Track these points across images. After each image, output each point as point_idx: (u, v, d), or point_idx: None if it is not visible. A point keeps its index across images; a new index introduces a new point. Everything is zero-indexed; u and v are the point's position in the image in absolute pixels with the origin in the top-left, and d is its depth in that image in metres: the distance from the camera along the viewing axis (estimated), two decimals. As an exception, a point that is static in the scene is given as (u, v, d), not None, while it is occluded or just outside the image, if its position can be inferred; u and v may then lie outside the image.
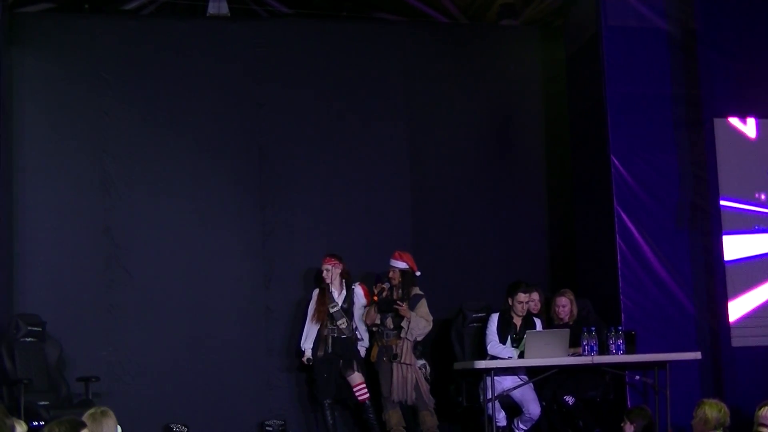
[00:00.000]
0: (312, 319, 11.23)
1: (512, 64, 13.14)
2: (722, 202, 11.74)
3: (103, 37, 12.02)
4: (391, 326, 11.05)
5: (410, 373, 10.94)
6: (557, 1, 13.12)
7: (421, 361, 11.15)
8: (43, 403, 10.15)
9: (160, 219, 11.84)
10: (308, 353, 11.18)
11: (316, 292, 11.35)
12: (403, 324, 10.99)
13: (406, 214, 12.52)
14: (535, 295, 11.21)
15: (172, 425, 11.13)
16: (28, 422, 8.71)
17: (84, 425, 5.89)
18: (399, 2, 13.01)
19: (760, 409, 8.26)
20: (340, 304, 11.21)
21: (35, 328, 10.83)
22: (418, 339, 11.07)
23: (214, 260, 11.90)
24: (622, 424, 8.93)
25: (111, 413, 6.71)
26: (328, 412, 11.08)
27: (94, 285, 11.55)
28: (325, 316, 11.17)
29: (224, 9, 12.43)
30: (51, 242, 11.53)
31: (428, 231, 12.49)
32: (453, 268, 12.37)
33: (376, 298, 11.09)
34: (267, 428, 11.40)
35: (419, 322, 11.00)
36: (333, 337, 11.14)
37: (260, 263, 12.04)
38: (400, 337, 11.00)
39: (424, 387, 11.02)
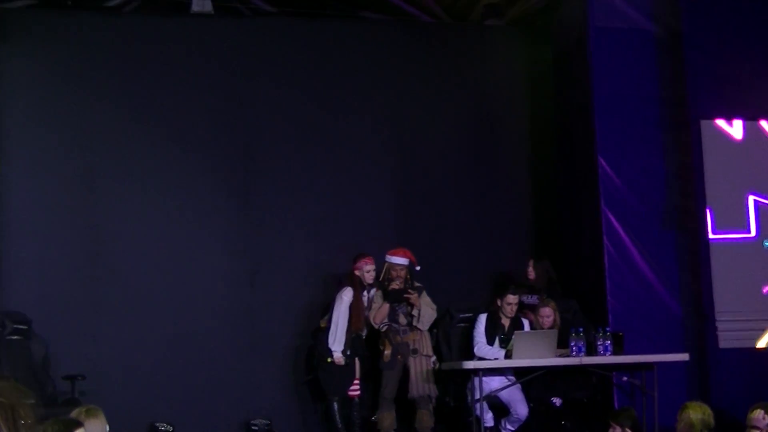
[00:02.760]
0: (353, 325, 11.09)
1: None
2: (708, 204, 11.76)
3: (87, 34, 11.96)
4: (404, 322, 11.02)
5: (429, 365, 10.92)
6: (542, 1, 13.11)
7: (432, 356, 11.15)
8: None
9: (145, 216, 11.78)
10: (338, 356, 11.03)
11: (348, 294, 11.17)
12: (414, 312, 10.97)
13: (391, 214, 12.51)
14: (548, 311, 11.10)
15: (157, 424, 11.06)
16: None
17: (80, 425, 5.82)
18: (383, 1, 12.98)
19: (752, 411, 8.28)
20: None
21: (21, 326, 10.75)
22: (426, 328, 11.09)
23: (198, 258, 11.85)
24: (610, 427, 8.94)
25: (99, 412, 6.65)
26: (337, 409, 11.01)
27: (79, 282, 11.48)
28: (363, 324, 11.12)
29: (208, 6, 12.36)
30: (35, 239, 11.45)
31: (413, 230, 12.47)
32: (439, 268, 12.32)
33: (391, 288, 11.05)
34: (253, 428, 11.35)
35: (427, 310, 11.02)
36: (352, 336, 11.08)
37: (245, 261, 12.00)
38: (414, 331, 10.97)
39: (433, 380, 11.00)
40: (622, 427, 8.82)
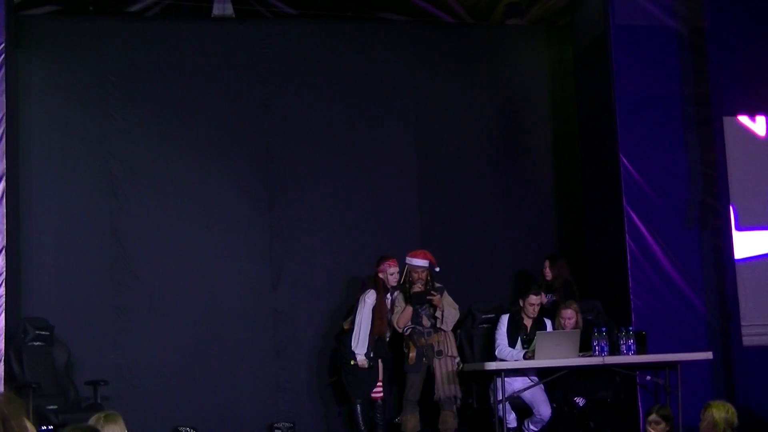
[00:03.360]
0: (376, 328, 11.06)
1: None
2: (732, 201, 11.68)
3: (109, 39, 12.00)
4: (428, 324, 11.01)
5: (454, 366, 10.90)
6: (563, 0, 13.07)
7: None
8: (51, 407, 10.09)
9: (167, 221, 11.82)
10: (362, 358, 11.00)
11: (372, 297, 11.11)
12: (437, 314, 10.95)
13: (414, 215, 12.50)
14: (570, 312, 11.05)
15: (180, 428, 11.09)
16: (37, 426, 8.67)
17: (97, 432, 5.80)
18: (404, 2, 12.99)
19: None
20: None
21: (43, 332, 10.79)
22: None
23: (221, 262, 11.87)
24: (647, 426, 8.87)
25: (117, 417, 6.60)
26: (360, 411, 11.01)
27: (102, 288, 11.52)
28: (386, 327, 11.12)
29: (229, 10, 12.40)
30: (58, 245, 11.50)
31: (436, 231, 12.46)
32: (462, 269, 12.32)
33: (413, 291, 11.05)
34: (276, 431, 11.37)
35: (450, 311, 11.01)
36: (375, 339, 11.07)
37: (268, 265, 12.01)
38: (438, 332, 10.96)
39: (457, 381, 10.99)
40: (662, 422, 8.77)
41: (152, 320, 11.53)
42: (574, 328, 10.85)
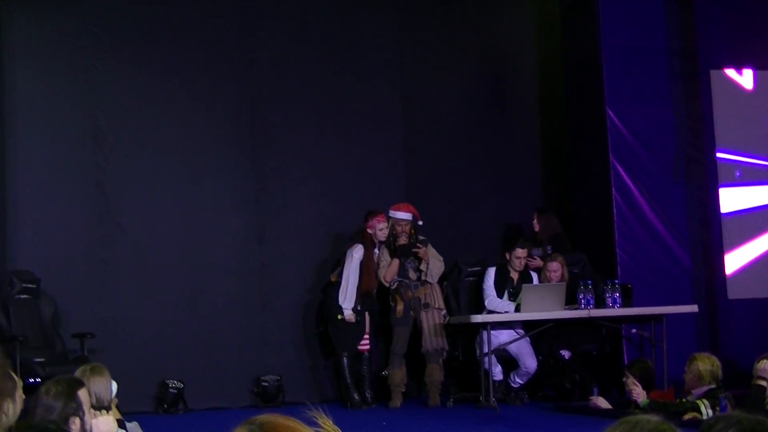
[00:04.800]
0: (365, 284, 11.07)
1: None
2: (718, 154, 11.70)
3: (93, -7, 11.91)
4: (414, 277, 11.02)
5: (441, 319, 10.94)
6: (551, -46, 13.03)
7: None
8: (38, 359, 10.12)
9: (153, 174, 11.77)
10: (349, 313, 11.03)
11: (359, 252, 11.13)
12: (422, 267, 10.97)
13: (400, 168, 12.48)
14: (556, 265, 11.05)
15: (168, 381, 11.11)
16: (24, 379, 8.65)
17: (82, 384, 5.80)
18: (391, -45, 12.90)
19: (758, 362, 8.26)
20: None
21: (29, 285, 10.79)
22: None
23: (207, 215, 11.85)
24: (624, 379, 8.94)
25: (103, 370, 6.61)
26: (346, 364, 11.04)
27: (88, 241, 11.49)
28: (374, 282, 11.12)
29: (215, -39, 12.31)
30: (43, 198, 11.46)
31: (422, 185, 12.45)
32: (448, 223, 12.33)
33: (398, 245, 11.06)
34: (263, 384, 11.40)
35: (435, 263, 11.04)
36: (362, 293, 11.09)
37: (254, 218, 11.99)
38: (425, 285, 10.98)
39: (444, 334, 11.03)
40: (635, 377, 8.81)
41: (138, 273, 11.51)
42: (560, 281, 10.88)
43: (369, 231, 11.14)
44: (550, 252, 11.40)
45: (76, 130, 11.66)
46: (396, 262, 11.03)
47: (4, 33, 11.48)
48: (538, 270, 11.24)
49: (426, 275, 11.01)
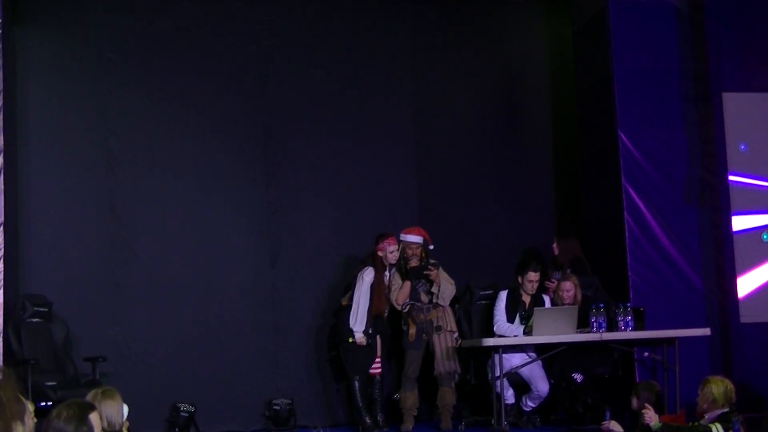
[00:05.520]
0: (375, 307, 11.02)
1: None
2: (731, 178, 11.68)
3: (107, 15, 11.93)
4: (426, 299, 11.01)
5: (453, 342, 10.93)
6: (562, -24, 13.06)
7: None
8: (50, 383, 10.12)
9: (166, 197, 11.80)
10: (360, 336, 10.96)
11: (370, 275, 11.08)
12: (433, 290, 10.97)
13: (413, 192, 12.48)
14: (569, 285, 11.05)
15: (179, 405, 11.10)
16: (36, 403, 8.69)
17: (93, 408, 5.82)
18: (404, -22, 12.92)
19: None
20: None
21: (42, 309, 10.80)
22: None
23: (219, 239, 11.86)
24: (630, 397, 8.91)
25: (115, 393, 6.63)
26: (358, 387, 11.02)
27: (100, 264, 11.51)
28: (385, 305, 11.12)
29: (229, -15, 12.35)
30: (57, 222, 11.49)
31: (435, 208, 12.45)
32: (460, 246, 12.31)
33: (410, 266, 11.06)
34: (275, 407, 11.38)
35: (446, 285, 11.02)
36: (373, 316, 11.06)
37: (266, 241, 12.00)
38: (437, 308, 10.97)
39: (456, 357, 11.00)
40: (642, 399, 8.77)
41: (151, 297, 11.53)
42: (573, 301, 10.87)
43: (379, 253, 11.13)
44: None
45: (90, 154, 11.70)
46: (408, 284, 11.02)
47: (18, 57, 11.52)
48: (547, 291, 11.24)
49: (438, 298, 11.00)
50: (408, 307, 11.03)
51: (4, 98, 10.39)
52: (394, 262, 11.13)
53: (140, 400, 10.12)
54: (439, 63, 12.80)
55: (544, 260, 11.82)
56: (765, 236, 11.74)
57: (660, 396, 8.97)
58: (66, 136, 11.69)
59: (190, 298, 11.63)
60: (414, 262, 11.05)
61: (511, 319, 10.95)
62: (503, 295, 11.07)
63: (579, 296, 11.01)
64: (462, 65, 12.86)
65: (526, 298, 11.02)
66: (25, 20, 11.64)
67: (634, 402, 8.73)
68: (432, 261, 11.09)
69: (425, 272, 10.97)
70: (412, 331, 10.99)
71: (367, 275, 11.05)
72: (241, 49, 12.22)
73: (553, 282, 11.39)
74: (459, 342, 11.01)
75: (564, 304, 10.93)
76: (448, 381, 10.93)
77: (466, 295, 11.62)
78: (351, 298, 11.10)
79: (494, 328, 10.96)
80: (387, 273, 11.16)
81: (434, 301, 10.99)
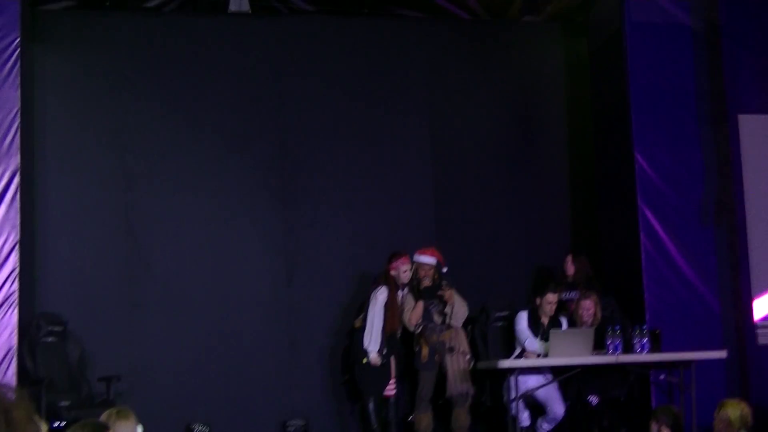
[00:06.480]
0: (389, 326, 11.01)
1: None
2: (747, 198, 11.64)
3: (125, 34, 12.00)
4: (439, 320, 10.99)
5: (466, 363, 10.90)
6: (579, -3, 13.05)
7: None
8: (64, 403, 10.09)
9: (182, 215, 11.81)
10: (374, 356, 10.94)
11: (383, 294, 11.08)
12: (447, 310, 10.95)
13: (429, 211, 12.47)
14: (589, 303, 11.01)
15: (193, 425, 11.09)
16: (49, 422, 8.70)
17: (107, 428, 5.81)
18: (420, -1, 12.95)
19: None
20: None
21: (56, 328, 10.80)
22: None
23: (236, 256, 11.86)
24: (650, 422, 8.87)
25: (129, 414, 6.62)
26: (372, 409, 10.98)
27: (116, 283, 11.53)
28: (398, 324, 11.09)
29: (245, 6, 12.38)
30: (72, 240, 11.50)
31: (451, 227, 12.44)
32: (476, 266, 12.30)
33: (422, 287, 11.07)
34: (289, 428, 11.35)
35: (460, 307, 11.03)
36: (387, 336, 11.05)
37: (283, 259, 12.00)
38: (450, 329, 10.95)
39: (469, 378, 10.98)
40: (661, 423, 8.73)
41: (166, 315, 11.53)
42: (593, 320, 10.84)
43: (392, 272, 11.12)
44: None
45: (107, 172, 11.72)
46: (421, 304, 11.01)
47: (35, 74, 11.57)
48: (568, 313, 11.20)
49: (451, 318, 10.98)
50: (421, 328, 11.02)
51: (22, 117, 10.43)
52: (407, 281, 11.12)
53: (155, 419, 10.11)
54: (455, 81, 12.80)
55: (556, 279, 11.78)
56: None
57: (680, 421, 8.94)
58: (83, 153, 11.72)
59: (206, 316, 11.62)
60: (426, 283, 11.04)
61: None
62: (524, 315, 11.04)
63: (599, 314, 10.97)
64: (478, 84, 12.85)
65: (545, 320, 10.99)
66: (43, 38, 11.70)
67: (654, 426, 8.70)
68: (445, 281, 11.07)
69: (439, 293, 10.96)
70: (425, 352, 10.96)
71: (381, 294, 11.03)
72: (259, 67, 12.25)
73: (572, 303, 11.34)
74: (472, 364, 10.99)
75: (584, 323, 10.89)
76: (462, 403, 10.89)
77: (482, 316, 11.60)
78: (364, 320, 11.08)
79: (525, 344, 10.88)
80: (400, 292, 11.15)
81: (447, 321, 10.97)
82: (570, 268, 11.73)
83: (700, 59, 11.80)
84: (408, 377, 11.46)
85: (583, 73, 12.99)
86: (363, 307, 11.23)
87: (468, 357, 11.00)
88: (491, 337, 11.53)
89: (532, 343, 10.89)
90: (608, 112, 12.35)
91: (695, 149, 11.64)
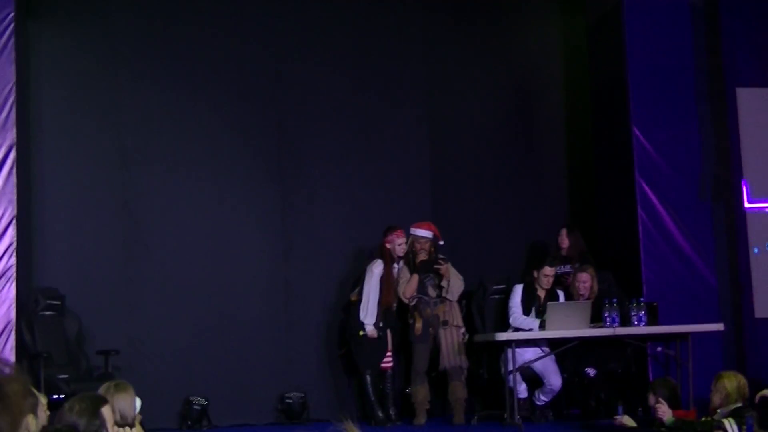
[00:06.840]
0: (385, 299, 11.06)
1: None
2: (744, 173, 11.65)
3: (121, 11, 11.93)
4: (434, 294, 11.01)
5: (459, 337, 10.92)
6: (576, -28, 13.03)
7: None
8: (63, 376, 10.11)
9: (179, 193, 11.79)
10: (371, 329, 11.00)
11: (379, 267, 11.14)
12: (443, 284, 10.97)
13: (426, 188, 12.46)
14: (586, 276, 11.03)
15: (192, 398, 11.11)
16: (48, 396, 8.68)
17: (106, 401, 5.81)
18: (417, -25, 12.90)
19: None
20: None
21: (54, 302, 10.80)
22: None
23: (232, 234, 11.86)
24: (647, 393, 8.89)
25: (127, 387, 6.61)
26: (370, 382, 11.02)
27: (113, 259, 11.51)
28: (393, 297, 11.11)
29: (242, -18, 12.34)
30: (70, 217, 11.49)
31: (447, 204, 12.43)
32: (473, 241, 12.31)
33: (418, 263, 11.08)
34: (287, 401, 11.38)
35: (455, 281, 11.05)
36: (383, 309, 11.07)
37: (279, 237, 12.00)
38: (444, 303, 10.96)
39: (464, 351, 11.01)
40: (659, 395, 8.76)
41: (164, 291, 11.53)
42: (590, 293, 10.86)
43: (388, 246, 11.15)
44: None
45: (103, 149, 11.69)
46: (416, 277, 11.03)
47: (30, 52, 11.53)
48: (566, 285, 11.21)
49: (446, 292, 11.00)
50: (415, 301, 11.04)
51: (17, 93, 10.41)
52: (402, 254, 11.15)
53: (153, 393, 10.11)
54: (453, 59, 12.78)
55: (551, 253, 11.79)
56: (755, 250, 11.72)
57: (677, 392, 8.97)
58: (79, 131, 11.68)
59: (203, 292, 11.62)
60: (422, 257, 11.06)
61: (526, 313, 10.93)
62: (519, 289, 11.05)
63: (596, 287, 10.99)
64: (475, 61, 12.84)
65: (541, 293, 11.00)
66: (39, 15, 11.65)
67: (651, 398, 8.73)
68: (441, 256, 11.09)
69: (435, 266, 10.98)
70: (419, 325, 11.00)
71: (377, 268, 11.07)
72: (256, 47, 12.21)
73: (567, 277, 11.36)
74: (466, 337, 11.02)
75: (581, 296, 10.91)
76: (457, 375, 10.94)
77: (479, 290, 11.62)
78: (360, 293, 11.12)
79: (510, 320, 10.94)
80: (396, 266, 11.16)
81: (443, 295, 10.99)
82: (564, 241, 11.74)
83: (698, 34, 11.79)
84: (404, 350, 11.49)
85: (581, 48, 12.97)
86: (359, 281, 11.25)
87: (462, 331, 11.03)
88: (488, 310, 11.55)
89: (516, 319, 10.90)
90: (606, 88, 12.35)
91: (693, 124, 11.65)
